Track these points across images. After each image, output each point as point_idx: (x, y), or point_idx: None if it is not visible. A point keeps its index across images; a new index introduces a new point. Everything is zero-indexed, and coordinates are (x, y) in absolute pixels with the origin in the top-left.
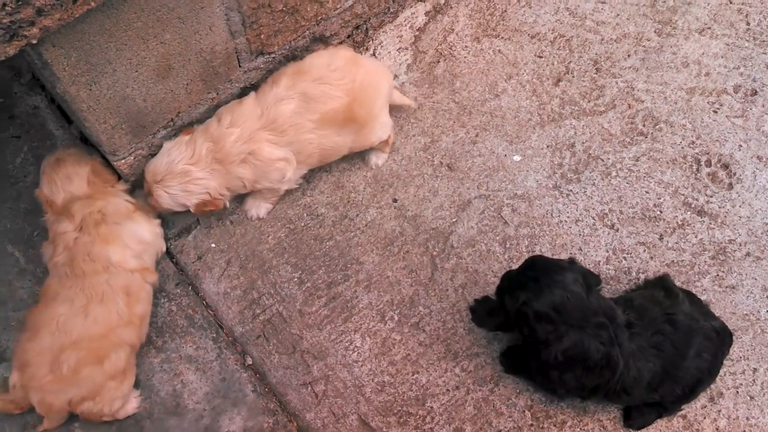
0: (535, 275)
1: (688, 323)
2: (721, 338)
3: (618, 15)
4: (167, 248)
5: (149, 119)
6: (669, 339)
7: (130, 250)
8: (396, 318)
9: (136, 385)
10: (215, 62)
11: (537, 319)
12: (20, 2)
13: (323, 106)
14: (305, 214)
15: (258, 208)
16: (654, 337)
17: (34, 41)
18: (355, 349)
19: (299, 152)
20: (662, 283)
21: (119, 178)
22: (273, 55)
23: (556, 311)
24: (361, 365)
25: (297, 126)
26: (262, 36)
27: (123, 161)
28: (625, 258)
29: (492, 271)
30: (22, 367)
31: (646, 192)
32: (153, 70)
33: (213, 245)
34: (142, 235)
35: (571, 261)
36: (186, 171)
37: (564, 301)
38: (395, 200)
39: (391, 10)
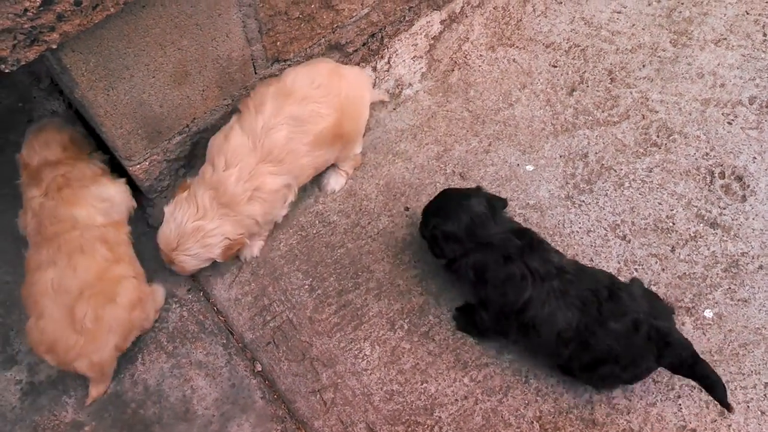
0: (444, 203)
1: (628, 304)
2: (655, 340)
3: (633, 25)
4: None
5: (165, 125)
6: (598, 303)
7: (95, 209)
8: (406, 327)
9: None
10: (231, 69)
11: (445, 239)
12: (41, 8)
13: (315, 127)
14: (317, 222)
15: (251, 249)
16: (585, 292)
17: (54, 46)
18: (365, 358)
19: (298, 176)
20: (633, 281)
21: (98, 148)
22: (288, 62)
23: (463, 231)
24: (370, 374)
25: (293, 152)
26: (278, 43)
27: (138, 166)
28: (636, 269)
29: None
30: (50, 349)
31: (659, 203)
32: (170, 76)
33: None
34: (109, 194)
35: (477, 188)
36: (198, 227)
37: (468, 222)
38: (407, 209)
39: (407, 18)
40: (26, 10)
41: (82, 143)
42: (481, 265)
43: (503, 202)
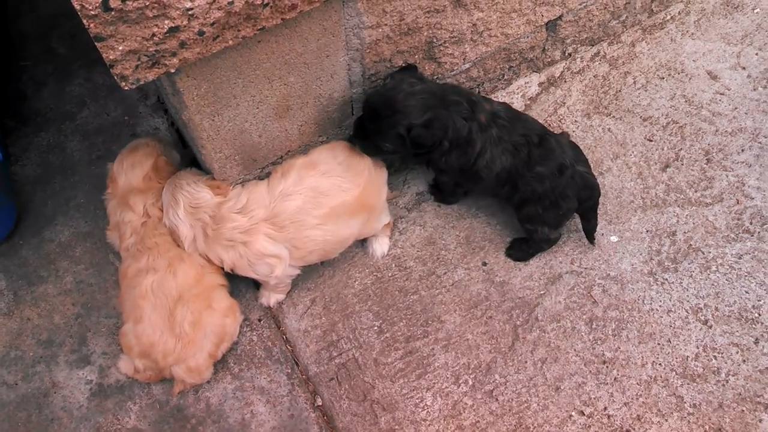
0: (390, 103)
1: (555, 149)
2: (577, 183)
3: (736, 108)
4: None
5: (261, 154)
6: (529, 148)
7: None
8: (470, 382)
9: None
10: (331, 108)
11: (426, 128)
12: (168, 34)
13: (333, 200)
14: (394, 265)
15: (268, 299)
16: (518, 137)
17: (173, 70)
18: (425, 408)
19: (298, 248)
20: (562, 133)
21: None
22: None
23: (429, 114)
24: (429, 425)
25: (299, 223)
26: None
27: None
28: (715, 357)
29: (574, 349)
30: (145, 353)
31: (746, 292)
32: (272, 108)
33: (300, 282)
34: None
35: (390, 76)
36: (176, 198)
37: (422, 103)
38: (485, 264)
39: (506, 77)
40: (154, 35)
41: (164, 172)
42: (441, 127)
43: (414, 67)
